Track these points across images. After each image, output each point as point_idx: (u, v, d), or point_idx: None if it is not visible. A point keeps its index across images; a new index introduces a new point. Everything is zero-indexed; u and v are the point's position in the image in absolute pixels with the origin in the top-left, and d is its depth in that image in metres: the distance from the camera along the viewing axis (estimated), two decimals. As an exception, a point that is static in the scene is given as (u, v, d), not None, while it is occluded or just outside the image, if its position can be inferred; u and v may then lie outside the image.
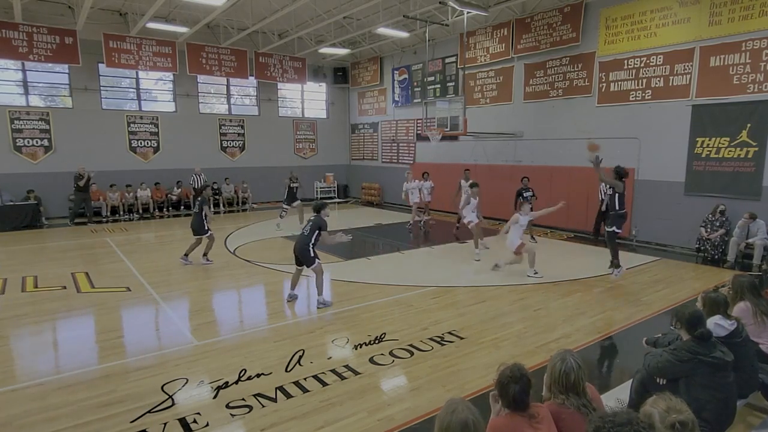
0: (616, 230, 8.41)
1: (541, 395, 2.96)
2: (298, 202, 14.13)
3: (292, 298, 7.61)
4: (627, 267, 9.67)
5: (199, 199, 10.00)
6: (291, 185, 14.02)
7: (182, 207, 17.82)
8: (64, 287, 8.37)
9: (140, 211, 16.79)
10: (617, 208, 8.29)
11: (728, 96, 10.28)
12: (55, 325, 6.69)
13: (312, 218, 7.41)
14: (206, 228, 9.92)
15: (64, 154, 15.90)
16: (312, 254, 7.31)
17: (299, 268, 7.57)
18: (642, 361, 3.87)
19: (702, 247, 10.49)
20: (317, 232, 7.29)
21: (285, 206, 14.18)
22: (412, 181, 14.20)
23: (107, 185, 16.29)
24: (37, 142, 15.61)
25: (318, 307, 7.31)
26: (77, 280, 8.80)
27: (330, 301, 7.47)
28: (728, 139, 10.35)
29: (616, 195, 8.24)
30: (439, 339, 6.02)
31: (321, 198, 21.29)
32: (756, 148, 9.98)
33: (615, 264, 8.50)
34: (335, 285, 8.58)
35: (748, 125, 10.02)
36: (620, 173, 8.20)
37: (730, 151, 10.36)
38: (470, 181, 11.80)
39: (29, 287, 8.42)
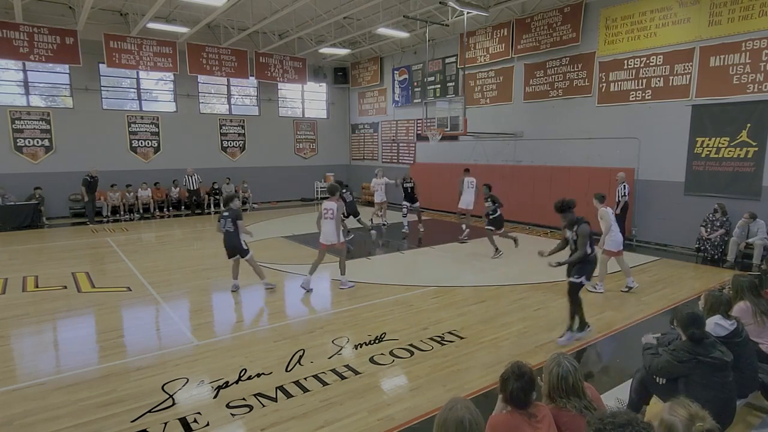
0: (584, 281, 5.94)
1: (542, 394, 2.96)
2: (417, 204, 13.83)
3: (236, 288, 8.13)
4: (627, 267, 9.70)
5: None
6: (405, 185, 13.82)
7: (182, 207, 17.84)
8: (65, 287, 8.38)
9: (141, 211, 16.81)
10: (588, 250, 5.89)
11: (728, 96, 10.29)
12: (55, 325, 6.71)
13: (226, 213, 7.85)
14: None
15: (64, 154, 15.92)
16: (245, 246, 7.96)
17: (233, 259, 8.09)
18: (641, 360, 3.88)
19: (702, 247, 10.49)
20: (236, 223, 7.78)
21: (406, 204, 13.83)
22: (382, 177, 14.55)
23: (108, 185, 16.31)
24: (37, 142, 15.63)
25: (267, 289, 8.07)
26: (78, 280, 8.81)
27: (274, 284, 8.10)
28: (728, 139, 10.36)
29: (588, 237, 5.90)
30: (439, 339, 6.03)
31: (322, 198, 21.32)
32: (756, 148, 9.98)
33: (573, 325, 5.95)
34: (335, 284, 8.58)
35: (748, 125, 10.03)
36: (569, 206, 6.05)
37: (729, 151, 10.36)
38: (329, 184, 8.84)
39: (30, 287, 8.43)
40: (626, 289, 8.05)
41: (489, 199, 10.64)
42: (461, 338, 6.05)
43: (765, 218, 9.65)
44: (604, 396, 3.95)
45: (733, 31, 10.11)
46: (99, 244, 12.23)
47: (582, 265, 5.85)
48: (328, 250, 8.22)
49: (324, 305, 7.68)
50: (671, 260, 10.38)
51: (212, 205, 18.11)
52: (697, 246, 10.65)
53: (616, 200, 11.46)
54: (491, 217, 10.57)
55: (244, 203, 18.85)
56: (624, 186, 11.33)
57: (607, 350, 5.92)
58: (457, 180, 13.20)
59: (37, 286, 8.48)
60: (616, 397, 4.24)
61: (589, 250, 5.83)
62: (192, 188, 17.23)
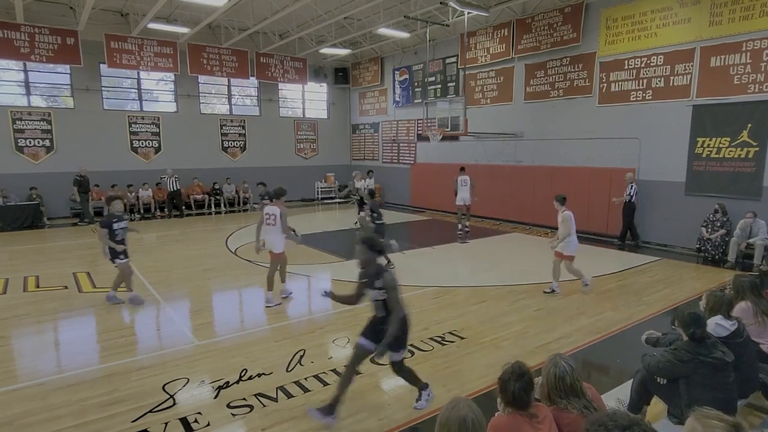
0: (404, 352, 4.43)
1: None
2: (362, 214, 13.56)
3: (132, 302, 7.52)
4: (628, 267, 9.71)
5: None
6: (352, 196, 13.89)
7: (183, 207, 17.78)
8: (66, 287, 8.39)
9: (141, 211, 16.81)
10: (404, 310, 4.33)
11: (729, 96, 10.28)
12: (56, 325, 6.71)
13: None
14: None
15: (65, 155, 15.91)
16: (109, 256, 7.44)
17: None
18: (641, 361, 3.87)
19: (703, 247, 10.48)
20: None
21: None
22: (360, 180, 14.90)
23: (109, 185, 16.30)
24: (38, 143, 15.63)
25: (110, 301, 7.41)
26: (79, 280, 8.82)
27: (121, 300, 7.41)
28: (729, 139, 10.35)
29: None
30: (439, 339, 6.03)
31: (321, 198, 21.34)
32: (756, 148, 9.97)
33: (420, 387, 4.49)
34: (336, 285, 8.58)
35: (749, 125, 10.02)
36: (374, 246, 4.30)
37: (730, 151, 10.35)
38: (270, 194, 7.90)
39: (31, 287, 8.44)
40: (549, 291, 7.92)
41: (371, 211, 10.04)
42: (462, 338, 6.05)
43: (766, 218, 9.64)
44: (604, 396, 3.95)
45: (733, 31, 10.10)
46: (99, 244, 12.20)
47: (401, 335, 4.27)
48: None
49: (324, 306, 7.67)
50: (672, 260, 10.37)
51: (212, 206, 18.12)
52: (698, 246, 10.64)
53: (625, 200, 11.50)
54: (377, 223, 9.94)
55: (244, 203, 18.85)
56: (631, 186, 11.36)
57: (607, 351, 5.91)
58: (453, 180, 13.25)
59: (38, 286, 8.50)
60: (616, 398, 4.24)
61: (404, 310, 4.31)
62: (172, 189, 16.91)
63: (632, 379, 3.98)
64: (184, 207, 17.53)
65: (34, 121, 15.52)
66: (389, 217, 16.08)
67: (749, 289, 4.39)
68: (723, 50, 10.30)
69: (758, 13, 9.73)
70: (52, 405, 4.49)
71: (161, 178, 17.05)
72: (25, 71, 15.59)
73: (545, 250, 8.48)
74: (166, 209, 17.23)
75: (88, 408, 4.42)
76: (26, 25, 14.08)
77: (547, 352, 5.60)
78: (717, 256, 10.20)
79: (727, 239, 10.08)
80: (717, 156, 10.56)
